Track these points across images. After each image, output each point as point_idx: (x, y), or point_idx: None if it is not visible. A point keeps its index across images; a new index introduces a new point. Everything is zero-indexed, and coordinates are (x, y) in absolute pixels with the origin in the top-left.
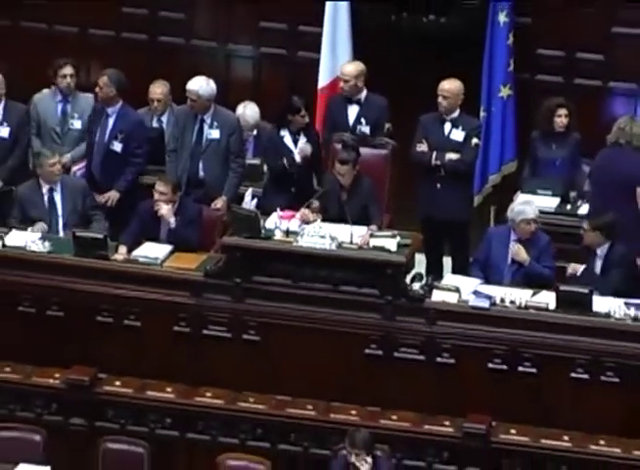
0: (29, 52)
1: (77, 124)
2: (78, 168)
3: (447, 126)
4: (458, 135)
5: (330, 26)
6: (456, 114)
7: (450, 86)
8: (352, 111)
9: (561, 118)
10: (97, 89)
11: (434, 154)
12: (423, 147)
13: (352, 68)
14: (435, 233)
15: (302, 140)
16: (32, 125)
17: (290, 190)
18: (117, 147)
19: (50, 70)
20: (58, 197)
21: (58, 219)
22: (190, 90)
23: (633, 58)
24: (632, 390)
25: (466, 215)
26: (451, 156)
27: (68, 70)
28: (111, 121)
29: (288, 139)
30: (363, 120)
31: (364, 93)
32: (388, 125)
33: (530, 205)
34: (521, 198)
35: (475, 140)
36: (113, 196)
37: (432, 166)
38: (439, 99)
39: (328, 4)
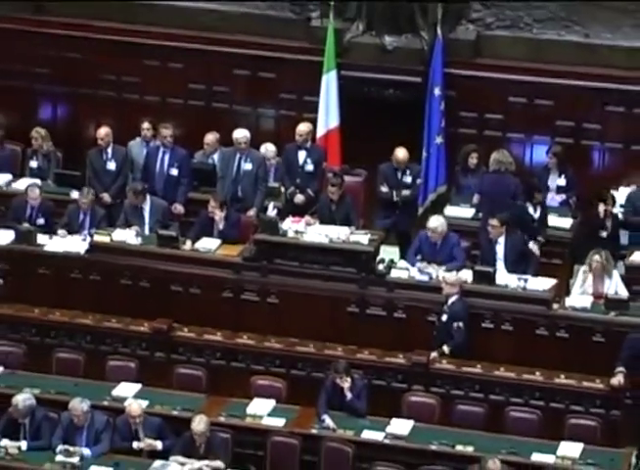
0: (127, 113)
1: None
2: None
3: (399, 173)
4: (408, 179)
5: (324, 96)
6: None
7: (402, 156)
8: (301, 154)
9: (473, 159)
10: (169, 139)
11: (394, 192)
12: (384, 188)
13: (306, 127)
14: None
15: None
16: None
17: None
18: (175, 172)
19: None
20: (146, 212)
21: (145, 225)
22: (242, 136)
23: (523, 118)
24: (522, 335)
25: (411, 227)
26: (405, 192)
27: (147, 125)
28: (167, 157)
29: (530, 210)
30: (309, 161)
31: (309, 143)
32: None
33: (437, 219)
34: (443, 214)
35: (419, 181)
36: (179, 208)
37: (392, 201)
38: (395, 163)
39: (323, 81)
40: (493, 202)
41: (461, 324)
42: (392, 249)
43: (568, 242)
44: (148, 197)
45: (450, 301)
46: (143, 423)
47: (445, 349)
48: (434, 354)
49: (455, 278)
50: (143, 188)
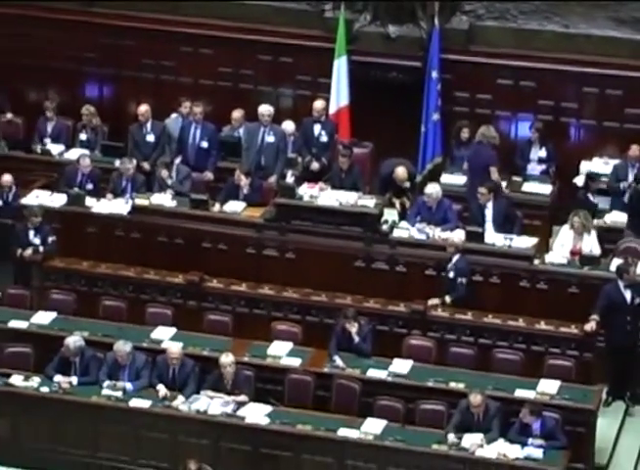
0: (164, 93)
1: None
2: (179, 161)
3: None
4: (406, 184)
5: (336, 78)
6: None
7: (402, 175)
8: (317, 127)
9: (464, 134)
10: (199, 115)
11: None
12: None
13: (321, 104)
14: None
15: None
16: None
17: None
18: (205, 145)
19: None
20: (172, 179)
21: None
22: (266, 110)
23: (509, 97)
24: (507, 287)
25: None
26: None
27: (188, 103)
28: (198, 131)
29: (590, 197)
30: (323, 132)
31: (323, 117)
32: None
33: (434, 187)
34: (439, 182)
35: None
36: (209, 175)
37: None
38: (397, 181)
39: (334, 65)
40: (472, 170)
41: (464, 280)
42: (392, 210)
43: (547, 206)
44: (175, 166)
45: (454, 259)
46: (180, 363)
47: (447, 298)
48: (432, 302)
49: (459, 241)
50: (171, 161)
